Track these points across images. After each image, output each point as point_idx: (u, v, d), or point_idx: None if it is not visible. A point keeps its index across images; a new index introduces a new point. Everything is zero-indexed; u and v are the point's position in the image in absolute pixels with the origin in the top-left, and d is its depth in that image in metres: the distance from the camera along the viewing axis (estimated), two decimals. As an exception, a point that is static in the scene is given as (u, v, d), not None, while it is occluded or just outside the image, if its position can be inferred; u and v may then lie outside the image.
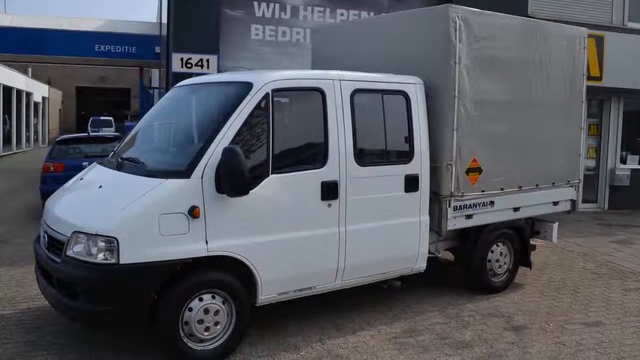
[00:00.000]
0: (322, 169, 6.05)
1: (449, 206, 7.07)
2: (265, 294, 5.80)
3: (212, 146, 5.40)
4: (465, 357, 5.86)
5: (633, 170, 15.89)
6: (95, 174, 6.37)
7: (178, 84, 7.20)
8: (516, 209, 7.87)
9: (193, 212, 5.24)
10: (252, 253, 5.60)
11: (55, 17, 28.50)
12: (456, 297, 7.61)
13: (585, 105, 8.85)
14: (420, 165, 6.78)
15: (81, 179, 6.51)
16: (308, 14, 14.39)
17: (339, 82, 6.26)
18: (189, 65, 13.25)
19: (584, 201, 15.19)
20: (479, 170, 7.30)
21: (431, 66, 7.10)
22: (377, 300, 7.31)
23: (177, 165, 5.54)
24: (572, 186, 8.64)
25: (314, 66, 8.95)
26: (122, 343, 5.88)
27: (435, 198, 7.01)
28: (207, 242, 5.34)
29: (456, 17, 6.94)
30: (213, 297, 5.49)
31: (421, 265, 7.07)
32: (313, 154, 6.15)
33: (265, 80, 5.82)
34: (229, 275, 5.58)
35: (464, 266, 7.87)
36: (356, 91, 6.37)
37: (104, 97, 54.06)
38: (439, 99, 7.00)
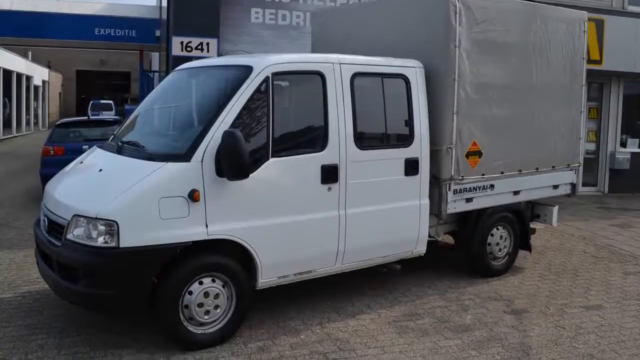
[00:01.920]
0: (322, 153, 6.03)
1: (449, 189, 7.07)
2: (265, 278, 5.81)
3: (212, 130, 5.38)
4: (465, 341, 5.88)
5: (633, 154, 15.89)
6: (96, 158, 6.36)
7: (178, 68, 7.16)
8: (516, 193, 7.87)
9: (193, 196, 5.24)
10: (252, 236, 5.60)
11: (56, 1, 28.35)
12: (456, 281, 7.62)
13: (585, 88, 8.83)
14: (420, 148, 6.77)
15: (81, 162, 6.50)
16: (308, -3, 14.34)
17: (339, 66, 6.23)
18: (189, 49, 13.25)
19: (584, 185, 15.27)
20: (479, 153, 7.29)
21: (431, 49, 7.08)
22: (377, 283, 7.33)
23: (177, 149, 5.52)
24: (572, 170, 8.64)
25: (314, 50, 8.91)
26: (121, 326, 5.90)
27: (435, 181, 7.01)
28: (207, 226, 5.34)
29: (456, 1, 6.91)
30: (213, 281, 5.50)
31: (421, 248, 7.08)
32: (313, 138, 6.14)
33: (265, 63, 5.80)
34: (229, 258, 5.59)
35: (464, 250, 7.87)
36: (356, 74, 6.34)
37: (104, 81, 54.01)
38: (439, 82, 6.98)
